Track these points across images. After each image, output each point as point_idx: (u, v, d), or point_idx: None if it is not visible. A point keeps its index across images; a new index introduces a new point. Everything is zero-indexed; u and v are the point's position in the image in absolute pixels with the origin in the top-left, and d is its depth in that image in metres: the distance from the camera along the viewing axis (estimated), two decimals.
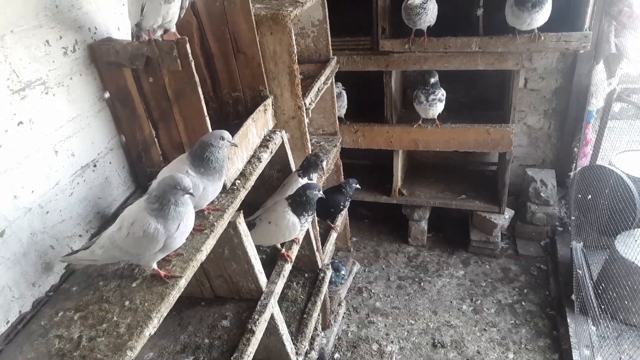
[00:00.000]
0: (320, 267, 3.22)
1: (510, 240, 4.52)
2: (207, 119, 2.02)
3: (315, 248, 3.17)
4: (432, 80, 3.55)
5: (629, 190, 3.51)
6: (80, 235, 1.97)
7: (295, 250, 2.69)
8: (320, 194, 2.41)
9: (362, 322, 3.84)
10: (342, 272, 3.63)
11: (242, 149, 2.33)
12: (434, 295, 4.03)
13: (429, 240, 4.58)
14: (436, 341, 3.62)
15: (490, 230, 4.22)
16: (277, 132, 2.64)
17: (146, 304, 1.65)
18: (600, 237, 3.57)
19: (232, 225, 2.13)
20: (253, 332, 2.14)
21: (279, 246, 2.60)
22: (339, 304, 3.85)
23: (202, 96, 1.96)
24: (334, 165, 3.61)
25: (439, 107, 3.69)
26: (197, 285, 2.42)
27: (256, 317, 2.21)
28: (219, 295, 2.45)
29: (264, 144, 2.55)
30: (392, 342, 3.62)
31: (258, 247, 2.38)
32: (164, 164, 2.19)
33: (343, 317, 3.85)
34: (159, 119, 2.07)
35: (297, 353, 2.70)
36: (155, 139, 2.15)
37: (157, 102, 2.03)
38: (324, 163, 2.73)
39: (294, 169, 2.87)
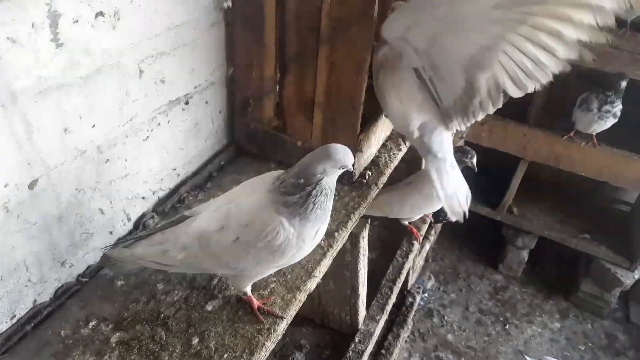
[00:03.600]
0: (409, 287, 2.55)
1: (622, 300, 3.68)
2: (367, 75, 1.31)
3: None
4: (622, 85, 2.63)
5: None
6: (143, 198, 1.35)
7: (423, 232, 2.13)
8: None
9: (427, 354, 3.19)
10: (425, 295, 2.95)
11: (379, 127, 1.62)
12: (520, 344, 3.31)
13: (524, 273, 3.80)
14: None
15: (610, 286, 3.40)
16: None
17: (225, 355, 1.02)
18: None
19: (353, 237, 1.46)
20: None
21: (406, 222, 2.07)
22: None
23: (373, 37, 1.24)
24: None
25: (607, 124, 2.82)
26: None
27: None
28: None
29: None
30: None
31: None
32: (276, 122, 1.52)
33: (406, 341, 3.20)
34: (294, 58, 1.37)
35: None
36: (277, 86, 1.46)
37: (298, 33, 1.32)
38: (474, 160, 1.99)
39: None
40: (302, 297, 1.17)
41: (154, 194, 1.38)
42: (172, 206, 1.41)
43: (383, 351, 2.23)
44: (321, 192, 0.94)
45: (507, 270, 3.79)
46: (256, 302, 1.10)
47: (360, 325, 1.69)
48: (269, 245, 0.94)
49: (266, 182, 0.99)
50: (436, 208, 2.08)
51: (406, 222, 2.16)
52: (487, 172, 3.40)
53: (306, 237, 0.96)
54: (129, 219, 1.31)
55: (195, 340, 1.05)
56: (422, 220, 2.28)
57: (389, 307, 1.83)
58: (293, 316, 1.16)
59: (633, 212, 3.72)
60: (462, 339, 3.30)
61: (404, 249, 2.18)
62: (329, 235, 1.31)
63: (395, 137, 1.76)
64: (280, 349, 1.71)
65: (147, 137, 1.28)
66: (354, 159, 0.98)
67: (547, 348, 3.31)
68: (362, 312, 1.68)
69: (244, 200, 0.99)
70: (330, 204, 0.98)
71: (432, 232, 2.93)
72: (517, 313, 3.53)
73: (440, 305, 3.52)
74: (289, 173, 0.97)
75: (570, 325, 3.49)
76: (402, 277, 2.01)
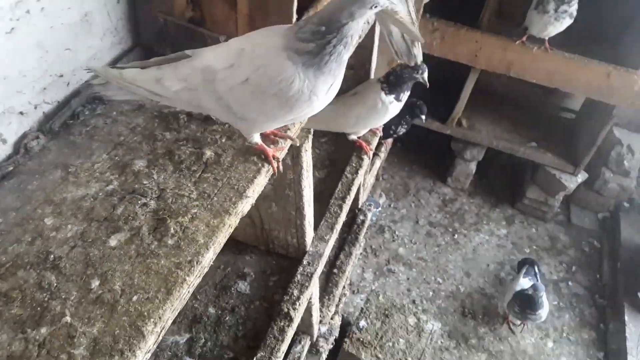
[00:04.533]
0: (359, 205, 2.42)
1: (564, 204, 3.80)
2: None
3: None
4: None
5: None
6: (21, 113, 1.06)
7: (374, 146, 2.02)
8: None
9: (380, 269, 3.18)
10: (377, 210, 2.86)
11: None
12: (469, 252, 3.37)
13: (472, 184, 3.81)
14: (466, 310, 3.03)
15: (554, 191, 3.47)
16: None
17: (134, 298, 0.82)
18: None
19: (294, 151, 1.25)
20: (290, 319, 1.37)
21: (354, 137, 1.93)
22: None
23: None
24: None
25: (563, 25, 2.67)
26: None
27: (295, 293, 1.43)
28: (236, 239, 1.64)
29: None
30: (414, 301, 3.00)
31: None
32: (191, 13, 1.23)
33: (359, 258, 3.17)
34: None
35: (321, 322, 2.00)
36: None
37: None
38: (425, 75, 1.78)
39: (373, 69, 1.92)
40: (232, 221, 0.97)
41: (35, 108, 1.08)
42: (64, 123, 1.12)
43: (335, 270, 2.13)
44: (341, 40, 0.85)
45: (455, 183, 3.79)
46: (270, 150, 1.03)
47: (309, 247, 1.54)
48: (280, 94, 0.86)
49: (284, 28, 0.89)
50: (382, 122, 1.90)
51: (354, 137, 1.98)
52: (437, 87, 3.23)
53: (319, 91, 0.88)
54: (4, 141, 1.02)
55: (96, 283, 0.83)
56: (372, 133, 2.10)
57: (338, 226, 1.68)
58: (222, 244, 0.96)
59: (578, 119, 3.75)
60: (413, 252, 3.31)
61: (354, 164, 2.00)
62: (260, 152, 1.09)
63: None
64: (221, 280, 1.54)
65: (12, 28, 0.96)
66: None
67: (494, 254, 3.40)
68: (309, 233, 1.52)
69: (260, 43, 0.90)
70: (346, 57, 0.88)
71: (383, 149, 2.77)
72: (465, 223, 3.57)
73: (391, 221, 3.49)
74: (310, 19, 0.86)
75: (516, 231, 3.58)
76: (352, 194, 1.85)
